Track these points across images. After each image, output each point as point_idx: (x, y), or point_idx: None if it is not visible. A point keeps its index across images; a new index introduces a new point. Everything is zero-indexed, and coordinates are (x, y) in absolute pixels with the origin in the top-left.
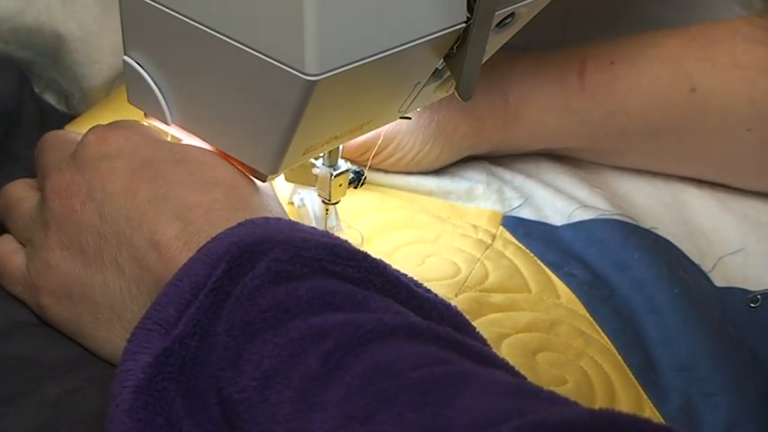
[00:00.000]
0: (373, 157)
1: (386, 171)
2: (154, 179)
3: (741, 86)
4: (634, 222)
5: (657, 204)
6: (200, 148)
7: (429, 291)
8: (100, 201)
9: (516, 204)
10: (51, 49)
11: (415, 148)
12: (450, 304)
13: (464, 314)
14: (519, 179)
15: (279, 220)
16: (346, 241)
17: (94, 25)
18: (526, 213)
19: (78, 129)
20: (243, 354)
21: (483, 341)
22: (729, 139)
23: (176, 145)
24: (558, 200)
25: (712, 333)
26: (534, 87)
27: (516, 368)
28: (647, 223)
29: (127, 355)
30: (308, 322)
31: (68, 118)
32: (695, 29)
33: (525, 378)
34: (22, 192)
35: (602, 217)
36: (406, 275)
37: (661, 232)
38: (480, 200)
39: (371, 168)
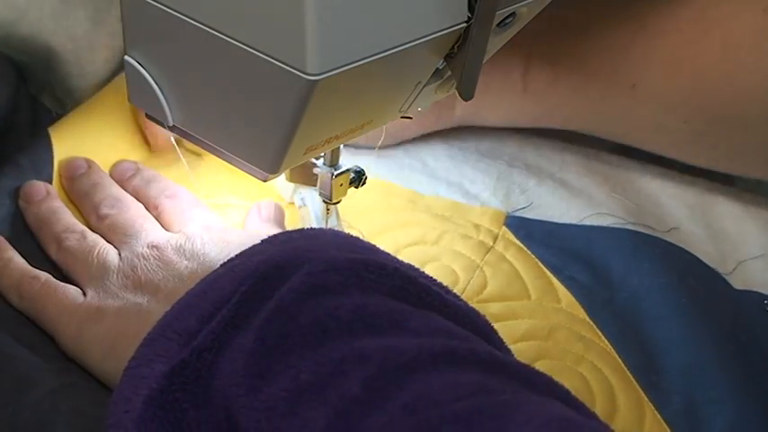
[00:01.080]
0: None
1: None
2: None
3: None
4: (646, 232)
5: (681, 205)
6: None
7: (458, 297)
8: (197, 259)
9: (522, 206)
10: (43, 61)
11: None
12: (478, 312)
13: (491, 323)
14: (532, 182)
15: (306, 235)
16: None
17: (85, 39)
18: (531, 213)
19: (64, 132)
20: (275, 365)
21: (509, 351)
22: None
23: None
24: (573, 206)
25: (720, 339)
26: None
27: None
28: (669, 222)
29: (140, 359)
30: (350, 345)
31: None
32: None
33: (567, 391)
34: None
35: (613, 225)
36: (434, 281)
37: (682, 232)
38: (486, 201)
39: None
